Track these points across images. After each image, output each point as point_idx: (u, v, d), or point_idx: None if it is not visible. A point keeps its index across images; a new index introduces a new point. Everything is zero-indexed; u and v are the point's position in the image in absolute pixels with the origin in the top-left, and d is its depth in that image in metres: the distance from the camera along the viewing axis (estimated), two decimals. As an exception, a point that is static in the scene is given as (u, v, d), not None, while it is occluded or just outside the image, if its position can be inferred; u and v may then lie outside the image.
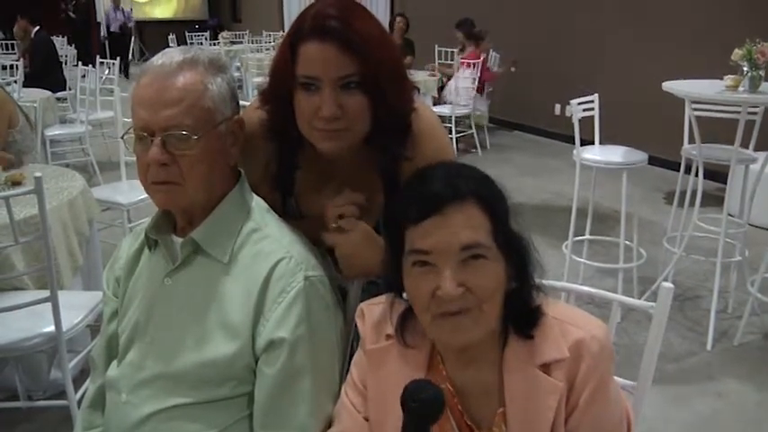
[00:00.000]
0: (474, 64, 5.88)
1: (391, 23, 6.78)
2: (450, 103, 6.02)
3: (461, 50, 6.44)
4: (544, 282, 0.95)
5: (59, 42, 7.67)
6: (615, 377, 1.00)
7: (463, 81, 5.97)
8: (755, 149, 3.10)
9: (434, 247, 0.86)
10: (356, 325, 1.05)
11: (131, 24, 12.22)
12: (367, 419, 0.99)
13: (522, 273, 0.92)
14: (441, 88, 6.43)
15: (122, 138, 1.12)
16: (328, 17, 1.03)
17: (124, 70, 11.12)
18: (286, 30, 1.34)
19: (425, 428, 0.74)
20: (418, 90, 1.18)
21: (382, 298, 1.02)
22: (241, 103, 1.17)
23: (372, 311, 1.02)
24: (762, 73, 2.73)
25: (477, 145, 6.17)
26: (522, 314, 0.93)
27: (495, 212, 0.89)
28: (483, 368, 0.94)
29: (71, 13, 11.65)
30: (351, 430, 1.00)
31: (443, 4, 7.85)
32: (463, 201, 0.86)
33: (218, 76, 1.07)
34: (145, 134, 1.02)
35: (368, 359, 1.00)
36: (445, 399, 0.76)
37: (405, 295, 0.94)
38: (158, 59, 1.06)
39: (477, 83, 5.93)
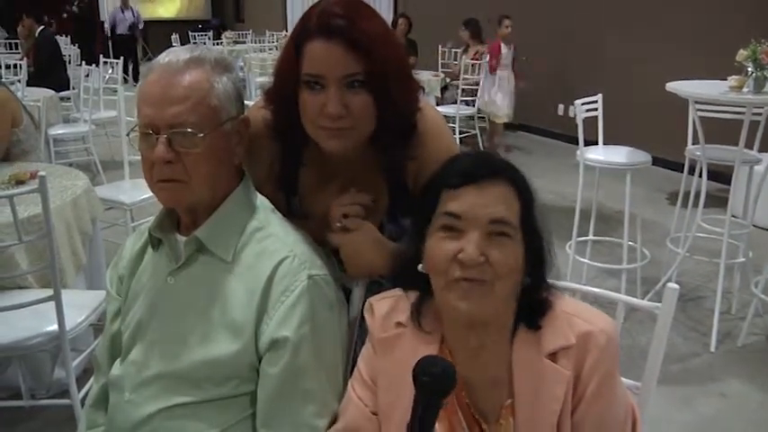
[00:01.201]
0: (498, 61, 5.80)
1: (394, 24, 6.77)
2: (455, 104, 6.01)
3: (465, 51, 6.43)
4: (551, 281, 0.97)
5: (63, 42, 7.68)
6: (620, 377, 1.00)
7: (501, 87, 5.87)
8: (759, 150, 3.10)
9: (466, 212, 0.89)
10: (361, 324, 1.06)
11: (141, 26, 11.52)
12: (374, 414, 0.99)
13: (536, 270, 0.94)
14: (444, 88, 6.42)
15: (128, 135, 1.12)
16: (334, 16, 1.03)
17: (133, 73, 10.61)
18: (289, 30, 1.34)
19: (437, 403, 0.74)
20: (423, 90, 1.17)
21: (390, 293, 1.03)
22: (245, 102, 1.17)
23: (381, 305, 1.03)
24: (766, 73, 2.73)
25: (481, 145, 6.16)
26: (531, 306, 0.94)
27: (526, 199, 0.93)
28: (491, 361, 0.95)
29: (74, 8, 11.32)
30: (357, 423, 1.00)
31: (446, 4, 7.85)
32: (501, 180, 0.91)
33: (224, 75, 1.07)
34: (150, 131, 1.02)
35: (378, 347, 1.00)
36: (456, 374, 0.76)
37: (420, 267, 0.94)
38: (165, 57, 1.06)
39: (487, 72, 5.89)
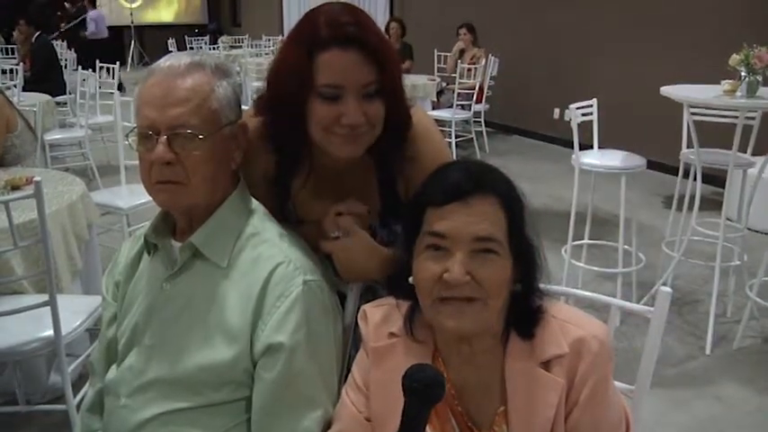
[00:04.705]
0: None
1: (386, 28, 6.78)
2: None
3: (461, 55, 6.43)
4: (544, 286, 0.97)
5: (58, 47, 7.66)
6: (614, 381, 1.00)
7: None
8: (753, 154, 3.11)
9: (451, 231, 0.88)
10: (356, 329, 1.06)
11: (90, 28, 9.77)
12: (368, 420, 0.99)
13: (527, 277, 0.94)
14: (440, 93, 6.43)
15: (126, 137, 1.13)
16: (346, 24, 1.02)
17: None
18: (285, 34, 1.34)
19: (426, 410, 0.74)
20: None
21: (384, 301, 1.03)
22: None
23: (375, 312, 1.03)
24: (759, 78, 2.75)
25: (477, 149, 6.18)
26: (523, 315, 0.94)
27: (513, 213, 0.92)
28: (484, 368, 0.95)
29: (68, 6, 10.84)
30: (351, 429, 1.01)
31: (442, 9, 7.87)
32: (486, 195, 0.90)
33: (224, 80, 1.08)
34: (150, 133, 1.02)
35: (371, 356, 1.01)
36: (445, 382, 0.76)
37: (411, 280, 0.94)
38: (166, 61, 1.07)
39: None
